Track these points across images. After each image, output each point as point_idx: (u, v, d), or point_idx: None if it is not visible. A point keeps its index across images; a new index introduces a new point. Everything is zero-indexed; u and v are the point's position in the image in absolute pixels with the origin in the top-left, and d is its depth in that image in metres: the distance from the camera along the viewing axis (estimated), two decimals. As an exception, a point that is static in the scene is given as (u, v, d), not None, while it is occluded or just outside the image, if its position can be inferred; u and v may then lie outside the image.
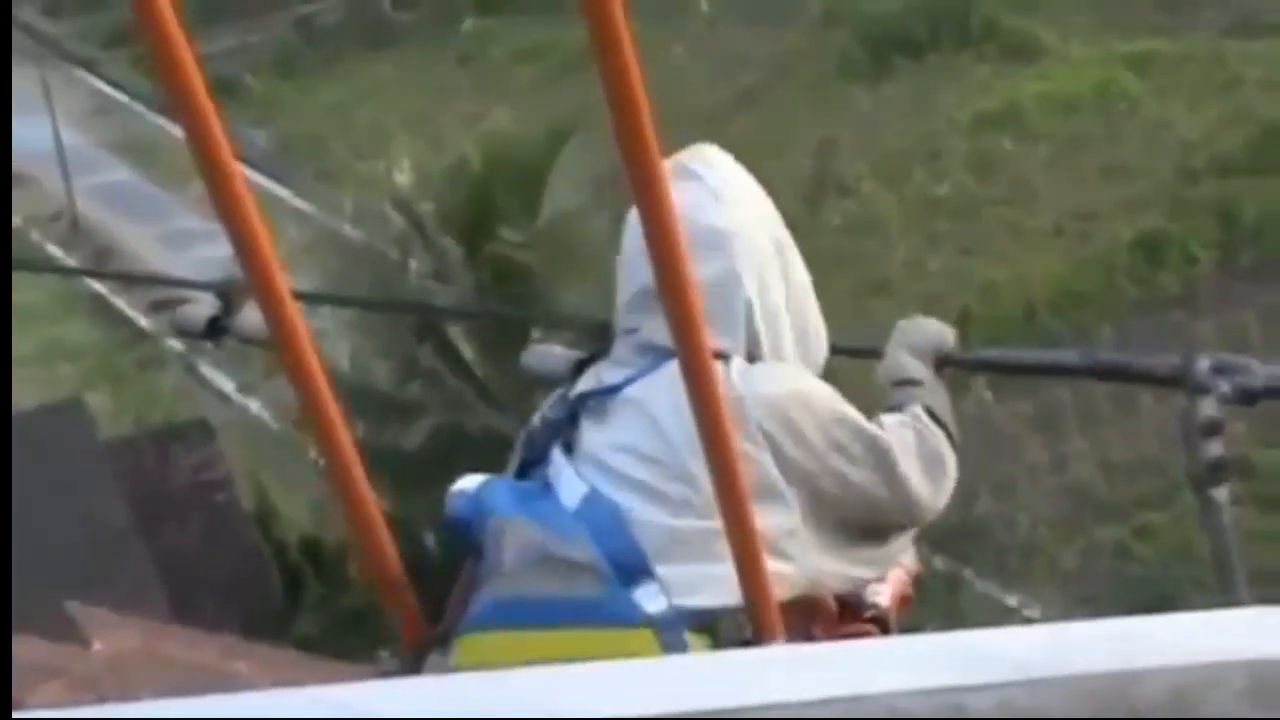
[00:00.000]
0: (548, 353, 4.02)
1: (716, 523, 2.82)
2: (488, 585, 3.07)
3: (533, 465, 3.25)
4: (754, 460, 3.05)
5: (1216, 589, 3.28)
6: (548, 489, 3.16)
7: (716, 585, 2.94)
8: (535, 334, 15.95)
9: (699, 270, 3.05)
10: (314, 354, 2.57)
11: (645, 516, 3.05)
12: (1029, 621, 21.98)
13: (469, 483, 3.21)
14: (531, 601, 3.02)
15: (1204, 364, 2.92)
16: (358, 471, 2.73)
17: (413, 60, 39.60)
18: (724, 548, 2.75)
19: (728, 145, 3.43)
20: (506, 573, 3.04)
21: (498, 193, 23.66)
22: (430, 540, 18.01)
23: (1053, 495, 24.08)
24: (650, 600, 2.99)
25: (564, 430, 3.24)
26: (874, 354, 3.47)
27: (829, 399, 3.19)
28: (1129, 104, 32.50)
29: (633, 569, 3.00)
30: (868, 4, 36.68)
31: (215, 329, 4.28)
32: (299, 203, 32.22)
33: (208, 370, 29.53)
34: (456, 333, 22.28)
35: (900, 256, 28.61)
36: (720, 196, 3.29)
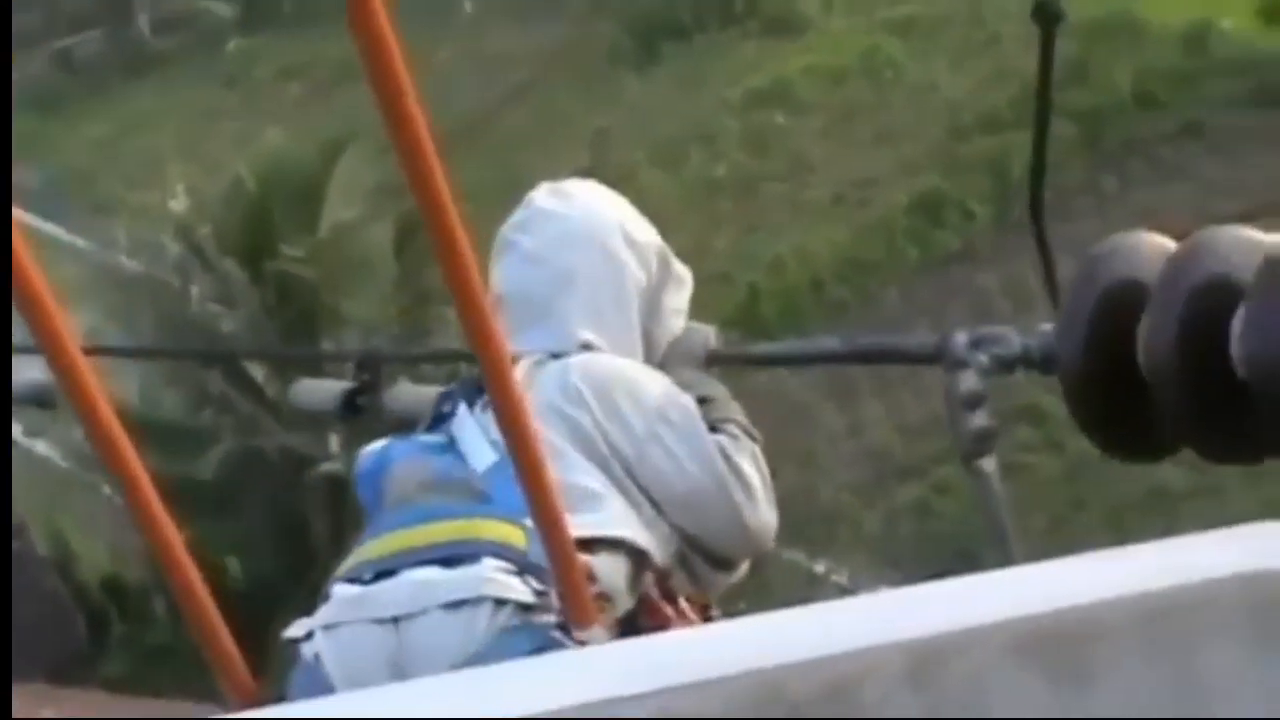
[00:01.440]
0: (315, 387, 4.02)
1: (600, 476, 3.09)
2: (387, 507, 3.21)
3: (442, 420, 3.32)
4: (569, 415, 3.18)
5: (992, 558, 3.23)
6: (452, 444, 3.24)
7: (601, 525, 3.07)
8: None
9: (538, 342, 3.31)
10: (102, 394, 2.56)
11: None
12: (841, 589, 22.28)
13: (374, 445, 3.32)
14: (424, 507, 3.15)
15: (961, 339, 2.94)
16: (159, 509, 2.72)
17: (178, 85, 39.14)
18: (605, 495, 3.06)
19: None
20: (408, 494, 3.19)
21: (275, 211, 23.53)
22: (234, 567, 17.93)
23: (852, 460, 24.41)
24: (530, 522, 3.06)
25: (474, 393, 3.27)
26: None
27: (663, 395, 3.26)
28: (894, 70, 32.92)
29: (523, 510, 3.01)
30: (631, -8, 36.87)
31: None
32: (73, 239, 31.76)
33: (-6, 416, 29.04)
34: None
35: (684, 240, 28.67)
36: (536, 257, 3.37)
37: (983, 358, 2.89)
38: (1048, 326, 2.63)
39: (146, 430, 20.95)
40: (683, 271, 3.53)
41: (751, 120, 32.64)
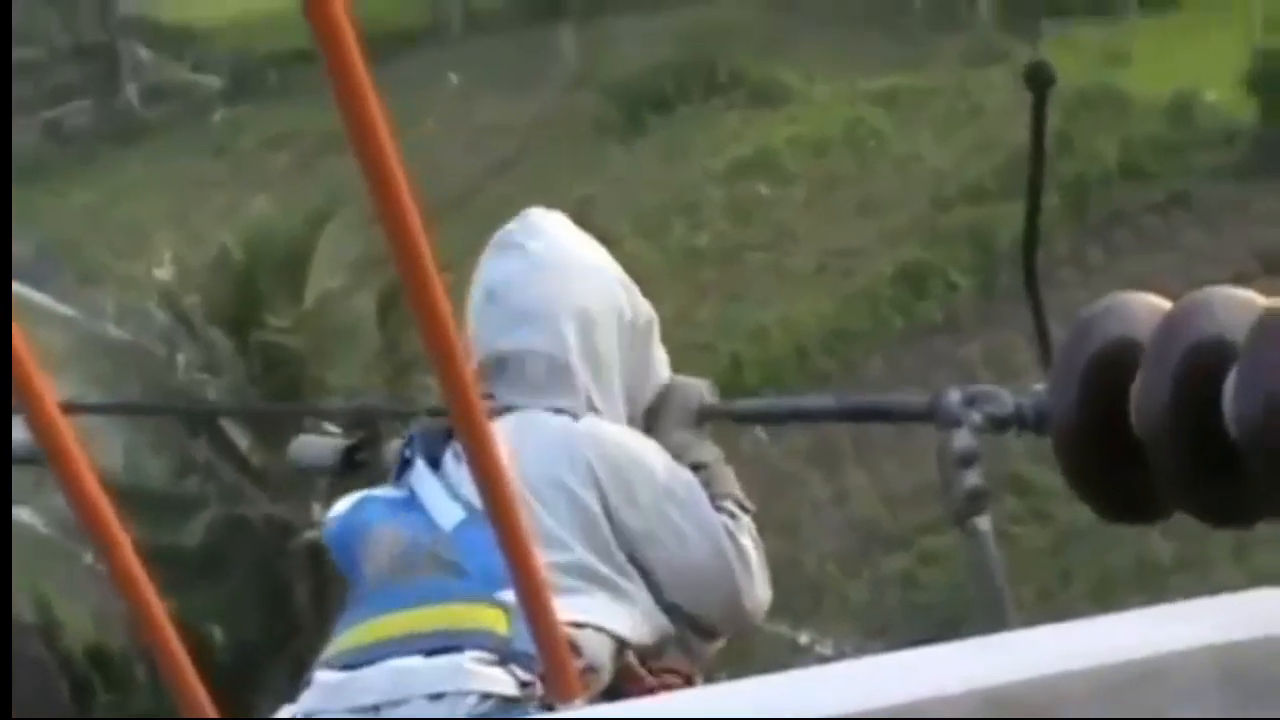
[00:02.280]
0: (313, 443, 4.01)
1: (563, 555, 3.03)
2: (366, 587, 3.20)
3: (404, 469, 3.31)
4: (580, 498, 3.15)
5: (985, 619, 3.21)
6: (414, 500, 3.23)
7: (588, 612, 3.03)
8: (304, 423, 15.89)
9: (526, 341, 3.30)
10: (84, 460, 2.54)
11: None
12: (825, 660, 22.21)
13: (342, 505, 3.31)
14: (398, 589, 3.14)
15: (954, 396, 2.93)
16: (142, 577, 2.69)
17: (166, 155, 39.26)
18: (570, 584, 2.98)
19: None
20: (384, 573, 3.17)
21: (261, 280, 23.59)
22: (217, 635, 17.88)
23: (836, 530, 24.40)
24: (511, 597, 2.95)
25: (437, 445, 3.27)
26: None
27: (667, 472, 3.23)
28: (878, 140, 33.10)
29: (499, 578, 2.94)
30: (616, 65, 37.02)
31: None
32: (61, 308, 31.78)
33: (-22, 484, 28.97)
34: (229, 423, 22.16)
35: (668, 309, 28.54)
36: (540, 265, 3.36)
37: (976, 416, 2.90)
38: (1040, 386, 2.61)
39: (131, 498, 20.99)
40: (662, 353, 3.50)
41: (735, 190, 32.78)
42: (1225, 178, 28.97)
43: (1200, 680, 1.59)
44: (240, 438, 22.16)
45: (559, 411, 3.28)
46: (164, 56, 44.09)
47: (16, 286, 31.93)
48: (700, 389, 3.50)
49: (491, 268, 3.40)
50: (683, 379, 3.53)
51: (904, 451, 24.07)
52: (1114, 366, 2.07)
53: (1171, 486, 2.06)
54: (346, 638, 3.16)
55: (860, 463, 25.27)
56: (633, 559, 3.19)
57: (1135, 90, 31.14)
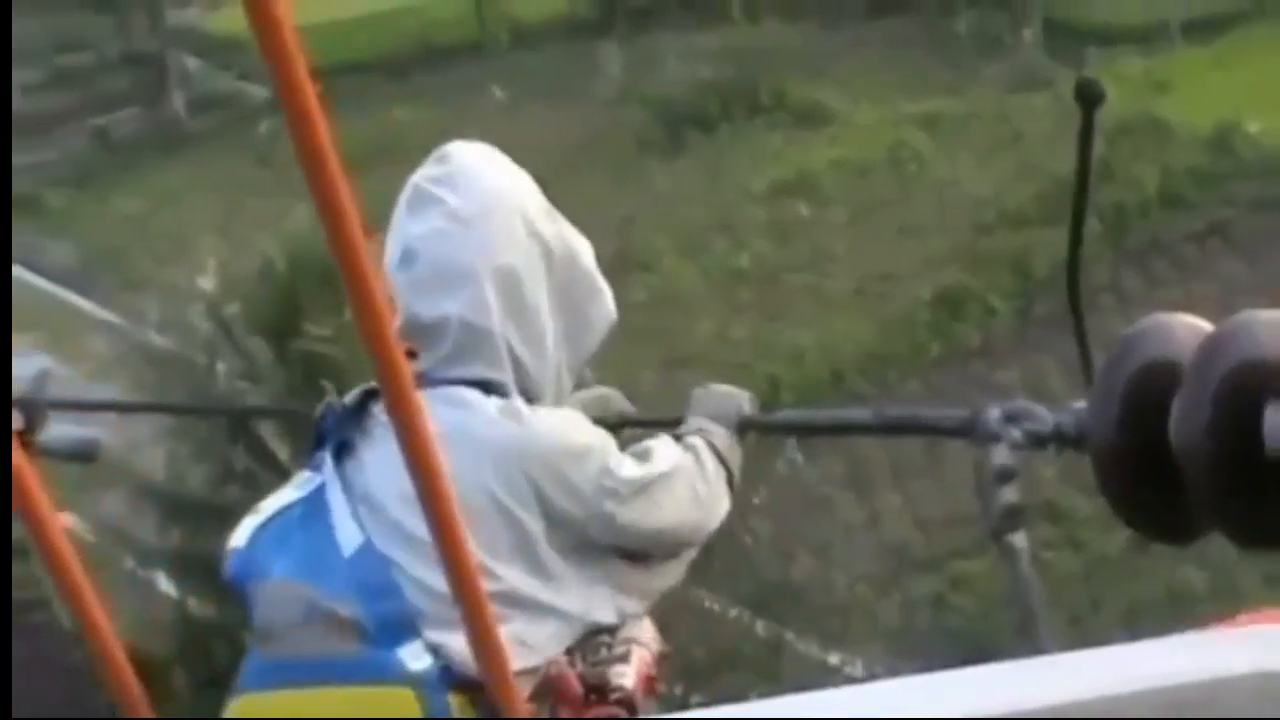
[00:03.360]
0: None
1: (494, 585, 2.88)
2: (260, 645, 3.13)
3: (319, 445, 3.25)
4: (517, 517, 3.08)
5: (1020, 635, 3.27)
6: (320, 512, 3.13)
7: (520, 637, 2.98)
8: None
9: (445, 307, 3.18)
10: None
11: (417, 574, 3.01)
12: (854, 681, 22.20)
13: (244, 533, 3.21)
14: (299, 661, 3.04)
15: (993, 413, 2.93)
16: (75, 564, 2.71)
17: (210, 164, 39.37)
18: (499, 612, 2.81)
19: None
20: (277, 634, 3.09)
21: (303, 290, 23.62)
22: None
23: (869, 552, 24.35)
24: (415, 659, 2.99)
25: (350, 422, 3.23)
26: (676, 424, 3.50)
27: (601, 450, 3.20)
28: (919, 164, 33.07)
29: (399, 628, 3.00)
30: (659, 82, 37.06)
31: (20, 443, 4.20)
32: (104, 314, 31.92)
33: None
34: (269, 432, 22.23)
35: (705, 328, 28.84)
36: (461, 217, 3.24)
37: (1015, 432, 2.89)
38: (1080, 404, 2.64)
39: (173, 505, 21.18)
40: (601, 283, 3.42)
41: (775, 211, 32.73)
42: (1266, 209, 28.90)
43: (1244, 708, 1.60)
44: (279, 447, 22.23)
45: (487, 390, 3.17)
46: (212, 66, 44.25)
47: (62, 292, 32.14)
48: (740, 400, 3.53)
49: (408, 224, 3.24)
50: (723, 388, 3.54)
51: (938, 476, 24.04)
52: (1154, 386, 2.08)
53: (1207, 508, 2.06)
54: (242, 706, 3.09)
55: (894, 487, 25.25)
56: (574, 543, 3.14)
57: (1177, 120, 31.08)
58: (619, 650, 3.27)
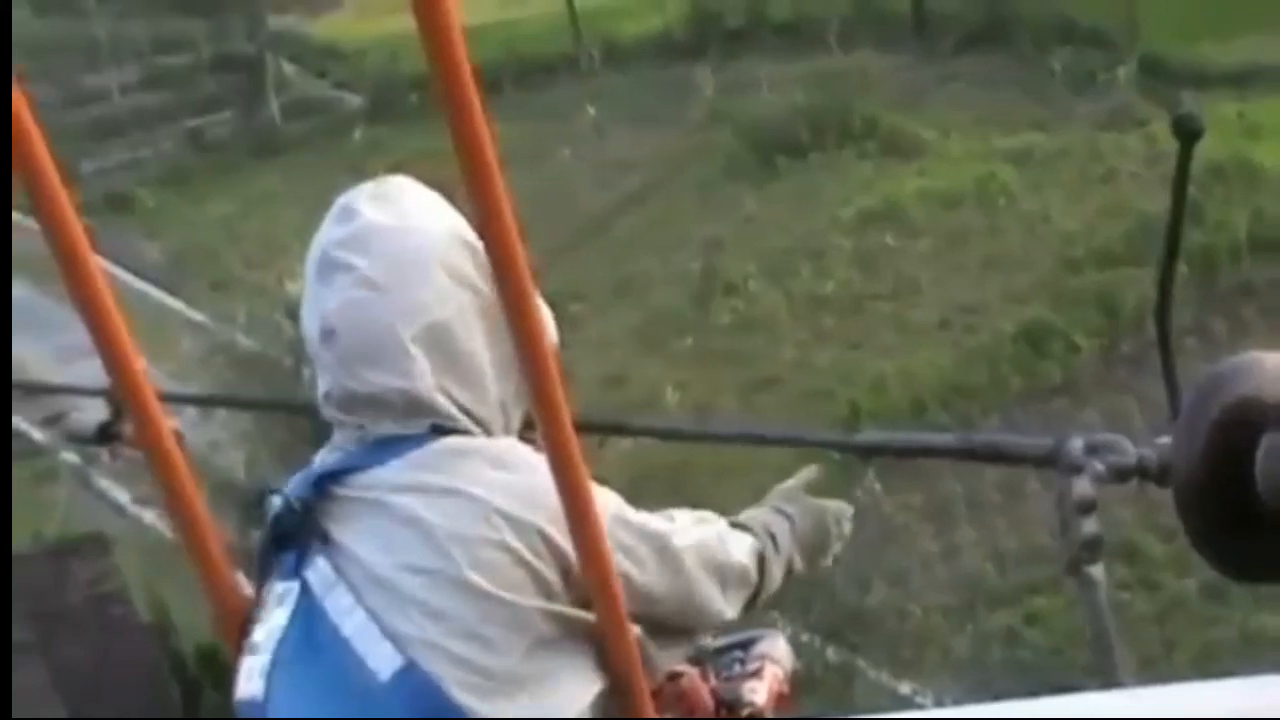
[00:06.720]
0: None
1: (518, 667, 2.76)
2: None
3: (282, 549, 3.01)
4: (533, 567, 2.87)
5: (1094, 668, 3.23)
6: (325, 629, 2.86)
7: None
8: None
9: (375, 381, 2.96)
10: (177, 450, 2.59)
11: (462, 699, 2.78)
12: (921, 708, 22.13)
13: (253, 680, 2.91)
14: None
15: (1077, 444, 2.87)
16: (223, 561, 2.78)
17: (302, 170, 39.58)
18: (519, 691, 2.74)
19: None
20: None
21: (385, 298, 23.75)
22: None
23: (944, 583, 24.29)
24: None
25: (315, 522, 2.98)
26: (750, 439, 3.43)
27: (612, 504, 3.00)
28: (1008, 198, 32.98)
29: None
30: (751, 107, 37.09)
31: (106, 434, 4.31)
32: (193, 314, 32.18)
33: (103, 482, 29.35)
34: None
35: (788, 353, 28.83)
36: (378, 284, 2.99)
37: (1098, 464, 2.85)
38: (1165, 439, 2.60)
39: (250, 506, 21.32)
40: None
41: (862, 239, 32.68)
42: (1356, 256, 28.76)
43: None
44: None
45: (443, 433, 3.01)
46: (309, 73, 44.57)
47: (153, 290, 32.43)
48: (837, 515, 3.38)
49: (321, 295, 3.02)
50: (819, 503, 3.35)
51: (1015, 512, 23.98)
52: (1241, 423, 2.06)
53: (1290, 549, 2.04)
54: None
55: (971, 520, 25.19)
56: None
57: (1268, 164, 30.93)
58: (752, 666, 3.22)
